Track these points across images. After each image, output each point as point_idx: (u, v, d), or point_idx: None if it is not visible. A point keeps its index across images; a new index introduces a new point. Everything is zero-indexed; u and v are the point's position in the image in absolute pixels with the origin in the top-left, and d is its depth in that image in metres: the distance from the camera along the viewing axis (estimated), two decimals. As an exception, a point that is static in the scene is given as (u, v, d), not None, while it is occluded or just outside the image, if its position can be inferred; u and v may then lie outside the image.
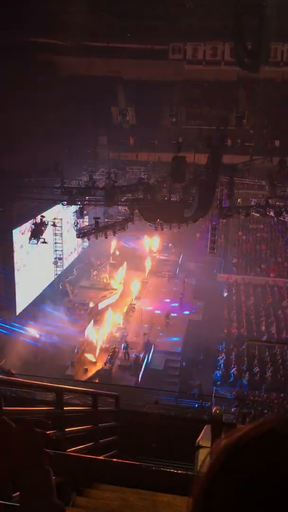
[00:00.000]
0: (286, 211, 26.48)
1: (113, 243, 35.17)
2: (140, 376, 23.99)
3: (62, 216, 29.08)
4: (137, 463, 5.52)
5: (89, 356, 25.02)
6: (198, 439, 5.40)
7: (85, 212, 26.99)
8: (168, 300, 31.80)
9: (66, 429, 4.68)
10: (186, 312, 30.56)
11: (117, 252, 36.27)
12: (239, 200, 30.09)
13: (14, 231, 25.19)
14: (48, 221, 26.47)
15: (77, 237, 27.33)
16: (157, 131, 33.28)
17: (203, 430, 5.78)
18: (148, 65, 31.36)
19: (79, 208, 26.32)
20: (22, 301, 26.49)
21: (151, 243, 36.74)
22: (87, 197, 26.02)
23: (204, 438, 5.53)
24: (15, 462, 1.04)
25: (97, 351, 25.44)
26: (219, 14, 22.67)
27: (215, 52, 31.73)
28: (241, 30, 18.75)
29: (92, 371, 24.27)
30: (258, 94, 30.79)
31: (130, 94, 32.71)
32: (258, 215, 28.64)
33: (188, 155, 26.99)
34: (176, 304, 31.17)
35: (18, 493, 1.05)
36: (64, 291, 31.22)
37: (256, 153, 31.93)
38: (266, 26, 18.16)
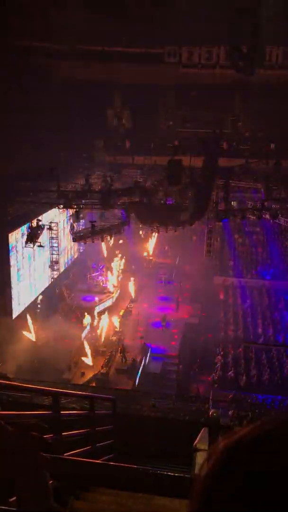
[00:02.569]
0: (282, 214, 26.55)
1: (109, 246, 35.11)
2: (137, 379, 23.93)
3: (58, 219, 29.05)
4: (135, 466, 5.50)
5: (86, 360, 24.96)
6: (195, 442, 5.39)
7: (81, 215, 26.97)
8: (164, 303, 31.76)
9: (63, 433, 4.66)
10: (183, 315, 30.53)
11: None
12: (233, 203, 30.11)
13: (10, 234, 25.14)
14: (44, 225, 26.43)
15: (73, 241, 27.31)
16: (153, 134, 33.34)
17: (200, 433, 5.78)
18: (143, 68, 31.41)
19: (75, 211, 26.30)
20: (19, 305, 26.42)
21: (148, 247, 36.71)
22: (83, 201, 26.01)
23: (201, 441, 5.53)
24: (11, 466, 1.04)
25: (94, 355, 25.39)
26: (214, 18, 22.78)
27: (210, 55, 31.88)
28: (236, 33, 18.88)
29: (89, 374, 24.21)
30: (254, 97, 30.89)
31: (126, 97, 32.79)
32: (254, 217, 28.65)
33: (184, 158, 27.02)
34: (173, 307, 31.13)
35: (14, 497, 1.04)
36: (60, 295, 31.16)
37: (251, 156, 32.01)
38: (261, 29, 18.28)
